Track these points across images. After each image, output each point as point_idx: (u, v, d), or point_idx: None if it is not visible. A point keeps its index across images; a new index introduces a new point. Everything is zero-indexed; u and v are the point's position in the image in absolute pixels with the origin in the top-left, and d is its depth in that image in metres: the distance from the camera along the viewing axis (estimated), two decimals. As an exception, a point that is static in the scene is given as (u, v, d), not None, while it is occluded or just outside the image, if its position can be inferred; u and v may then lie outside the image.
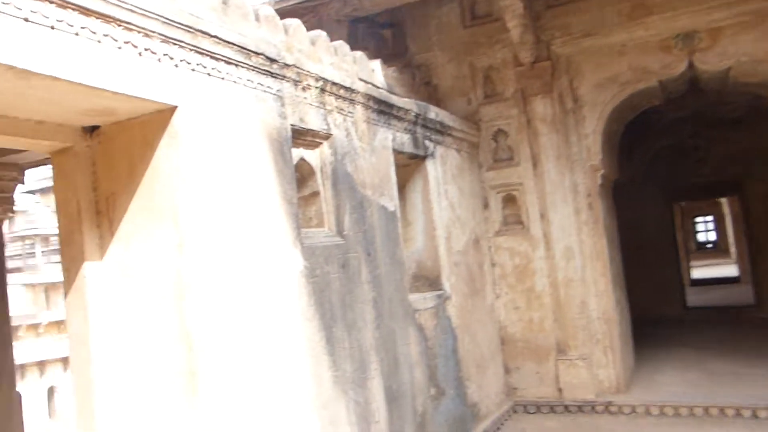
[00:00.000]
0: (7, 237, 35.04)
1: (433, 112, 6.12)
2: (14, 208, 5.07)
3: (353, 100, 4.69)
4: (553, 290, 7.08)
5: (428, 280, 6.15)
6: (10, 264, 32.12)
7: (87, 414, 3.35)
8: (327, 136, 4.36)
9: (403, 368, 4.99)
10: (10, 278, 31.03)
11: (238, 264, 3.38)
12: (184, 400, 3.11)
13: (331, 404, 3.98)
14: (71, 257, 3.39)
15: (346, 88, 4.57)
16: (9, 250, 33.62)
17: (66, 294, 3.43)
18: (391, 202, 5.17)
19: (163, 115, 3.16)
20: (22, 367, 27.07)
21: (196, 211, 3.16)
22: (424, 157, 5.95)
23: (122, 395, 3.34)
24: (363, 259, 4.61)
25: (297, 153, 4.13)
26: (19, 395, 5.00)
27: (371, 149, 4.92)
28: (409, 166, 5.88)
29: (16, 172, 4.95)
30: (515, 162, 7.27)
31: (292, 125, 3.96)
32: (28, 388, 26.58)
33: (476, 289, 6.88)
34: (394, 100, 5.36)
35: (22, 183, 5.03)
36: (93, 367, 3.34)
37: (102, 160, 3.42)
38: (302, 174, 4.27)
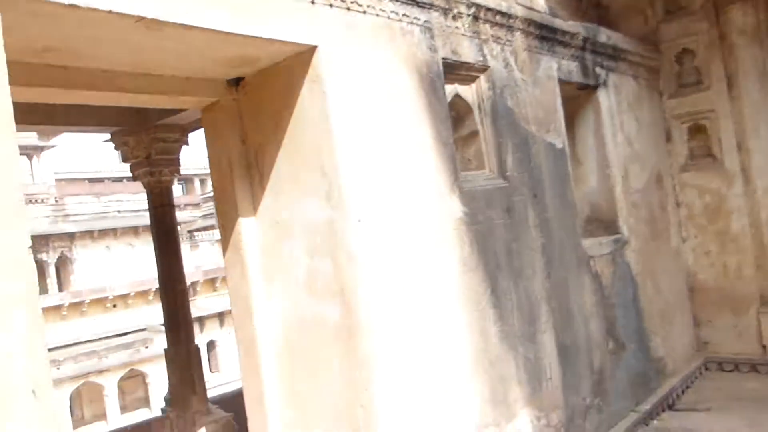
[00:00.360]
0: (200, 198, 38.42)
1: (604, 35, 5.43)
2: (180, 169, 5.28)
3: (511, 27, 4.22)
4: (754, 231, 6.14)
5: (603, 224, 5.57)
6: (205, 222, 35.34)
7: (251, 368, 3.35)
8: (483, 69, 3.96)
9: (577, 320, 4.56)
10: (206, 236, 33.88)
11: (391, 212, 3.15)
12: (341, 357, 2.98)
13: (499, 361, 3.69)
14: (226, 214, 3.36)
15: (503, 14, 4.10)
16: (203, 209, 36.92)
17: (224, 251, 3.42)
18: (559, 139, 4.66)
19: (303, 57, 2.95)
20: (221, 315, 29.83)
21: (343, 158, 2.95)
22: (594, 87, 5.32)
23: (282, 351, 3.29)
24: (529, 201, 4.20)
25: (450, 89, 3.78)
26: (197, 348, 5.27)
27: (534, 80, 4.43)
28: (577, 97, 5.29)
29: (179, 133, 5.09)
30: (704, 85, 6.30)
31: (443, 59, 3.61)
32: (229, 334, 29.21)
33: (659, 232, 6.16)
34: (558, 24, 4.78)
35: (186, 144, 5.18)
36: (255, 322, 3.32)
37: (248, 112, 3.32)
38: (457, 112, 3.92)
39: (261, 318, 3.31)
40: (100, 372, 31.84)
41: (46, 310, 33.53)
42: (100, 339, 33.16)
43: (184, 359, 5.14)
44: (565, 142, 4.77)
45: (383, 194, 3.12)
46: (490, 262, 3.76)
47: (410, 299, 3.17)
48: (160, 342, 32.73)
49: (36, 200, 35.23)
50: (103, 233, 36.45)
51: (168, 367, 5.40)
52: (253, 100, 3.27)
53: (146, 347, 31.56)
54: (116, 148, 5.09)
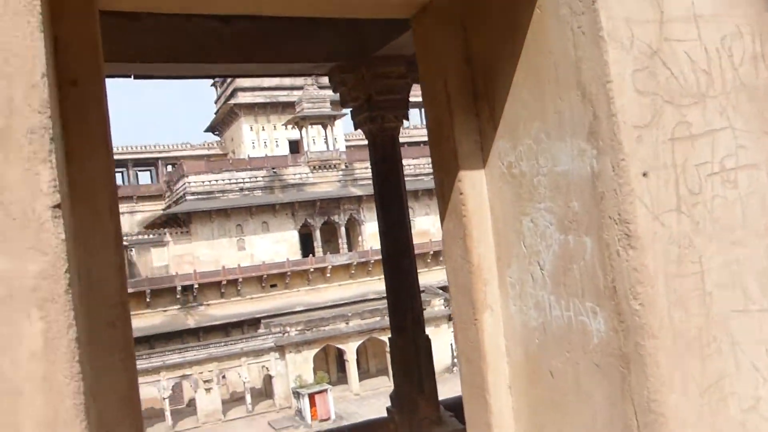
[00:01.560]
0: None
1: None
2: (408, 112, 4.35)
3: None
4: None
5: None
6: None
7: (475, 388, 2.35)
8: None
9: None
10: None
11: (701, 159, 1.85)
12: (611, 397, 1.82)
13: None
14: (443, 165, 2.37)
15: None
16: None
17: (441, 218, 2.44)
18: None
19: None
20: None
21: (618, 69, 1.75)
22: None
23: (520, 368, 2.23)
24: None
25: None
26: (427, 339, 4.34)
27: None
28: None
29: (405, 67, 4.14)
30: None
31: None
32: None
33: None
34: None
35: (416, 81, 4.20)
36: (481, 323, 2.31)
37: (474, 16, 2.26)
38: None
39: (490, 318, 2.29)
40: (383, 329, 33.79)
41: (336, 268, 36.67)
42: (383, 298, 35.17)
43: (410, 352, 4.25)
44: None
45: (688, 128, 1.84)
46: None
47: (734, 305, 1.86)
48: (438, 304, 33.74)
49: (329, 165, 38.37)
50: (386, 197, 38.36)
51: (392, 360, 4.60)
52: (482, -2, 2.21)
53: (423, 309, 32.71)
54: (335, 90, 4.39)
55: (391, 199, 4.38)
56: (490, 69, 2.19)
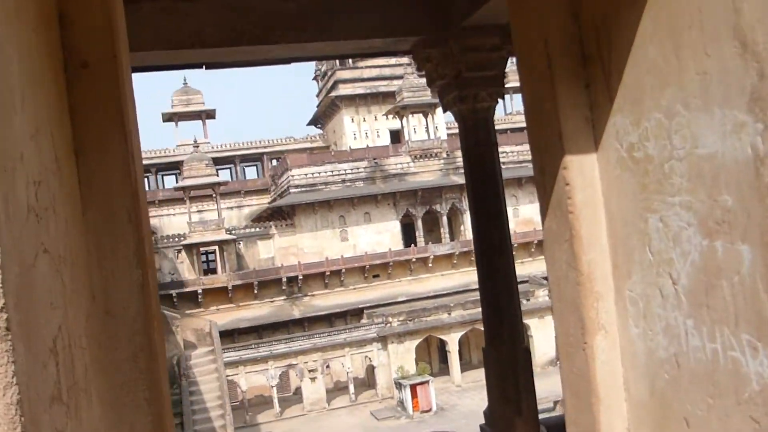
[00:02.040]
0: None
1: None
2: (503, 90, 3.78)
3: None
4: None
5: None
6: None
7: (584, 427, 1.87)
8: None
9: None
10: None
11: None
12: None
13: None
14: (543, 148, 1.90)
15: None
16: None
17: (542, 213, 1.97)
18: None
19: None
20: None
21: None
22: None
23: (644, 409, 1.74)
24: None
25: None
26: (526, 351, 3.78)
27: None
28: None
29: (499, 38, 3.58)
30: None
31: None
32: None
33: None
34: None
35: (511, 54, 3.64)
36: (591, 348, 1.83)
37: (584, -44, 1.77)
38: None
39: (603, 342, 1.80)
40: (485, 320, 33.02)
41: (439, 258, 36.23)
42: (485, 288, 34.41)
43: (506, 366, 3.70)
44: None
45: None
46: None
47: None
48: (542, 295, 32.70)
49: (430, 154, 37.92)
50: (488, 186, 37.42)
51: (486, 374, 4.05)
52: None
53: (527, 299, 31.65)
54: (419, 68, 3.93)
55: (486, 190, 3.82)
56: (604, 23, 1.70)
